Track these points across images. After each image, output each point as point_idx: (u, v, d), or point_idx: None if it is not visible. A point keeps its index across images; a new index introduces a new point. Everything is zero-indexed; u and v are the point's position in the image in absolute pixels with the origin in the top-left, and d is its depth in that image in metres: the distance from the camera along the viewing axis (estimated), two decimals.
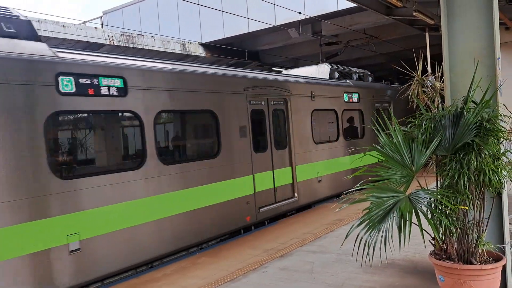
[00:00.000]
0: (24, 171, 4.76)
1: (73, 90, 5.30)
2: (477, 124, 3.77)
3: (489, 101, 3.83)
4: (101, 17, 21.27)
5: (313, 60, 21.44)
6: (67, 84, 5.25)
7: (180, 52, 17.10)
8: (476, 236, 3.93)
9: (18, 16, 5.27)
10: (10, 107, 4.72)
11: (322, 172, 9.97)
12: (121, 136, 6.31)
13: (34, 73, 4.96)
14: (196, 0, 14.60)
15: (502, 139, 3.78)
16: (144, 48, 15.52)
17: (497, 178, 3.67)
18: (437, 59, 6.57)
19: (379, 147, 4.24)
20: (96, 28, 14.40)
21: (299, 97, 9.44)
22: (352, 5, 11.92)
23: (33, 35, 5.28)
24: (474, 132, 3.76)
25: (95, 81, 5.52)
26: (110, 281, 5.58)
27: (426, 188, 4.02)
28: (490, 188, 3.80)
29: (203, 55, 18.09)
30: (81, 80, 5.38)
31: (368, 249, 3.65)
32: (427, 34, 14.29)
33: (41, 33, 12.70)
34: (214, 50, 18.31)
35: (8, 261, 4.56)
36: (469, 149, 3.77)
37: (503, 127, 3.80)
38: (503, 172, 3.73)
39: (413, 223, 3.71)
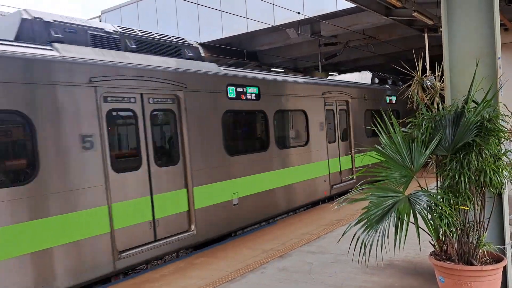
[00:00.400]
0: (212, 149, 7.21)
1: (234, 96, 7.75)
2: (478, 124, 3.75)
3: (490, 101, 3.80)
4: (99, 16, 21.21)
5: (312, 61, 21.49)
6: (231, 92, 7.69)
7: None
8: (476, 237, 3.91)
9: (192, 44, 7.73)
10: (207, 107, 7.14)
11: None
12: (256, 128, 8.71)
13: (216, 84, 7.37)
14: None
15: (503, 139, 3.75)
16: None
17: (498, 178, 3.65)
18: (435, 60, 6.55)
19: (379, 148, 4.22)
20: None
21: (356, 99, 11.86)
22: (351, 5, 11.90)
23: (201, 57, 7.74)
24: (475, 132, 3.74)
25: (244, 89, 8.01)
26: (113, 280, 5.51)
27: (426, 188, 4.00)
28: (491, 189, 3.77)
29: (202, 55, 18.04)
30: (238, 89, 7.84)
31: (365, 248, 3.61)
32: (425, 35, 14.27)
33: None
34: (213, 50, 18.27)
35: (209, 207, 7.04)
36: (470, 149, 3.75)
37: (504, 126, 3.77)
38: (503, 172, 3.70)
39: (411, 222, 3.69)
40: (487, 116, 3.77)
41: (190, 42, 7.68)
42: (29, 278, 4.69)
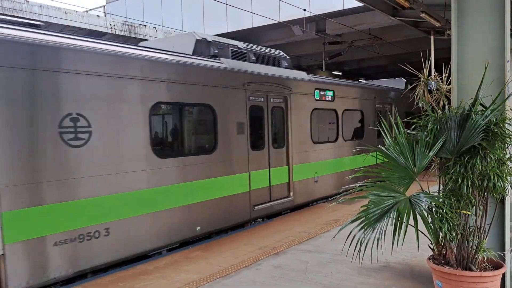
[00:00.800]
0: (304, 138, 9.43)
1: (318, 97, 9.92)
2: (484, 127, 3.67)
3: (501, 104, 3.73)
4: (104, 6, 21.09)
5: (315, 59, 21.37)
6: (316, 94, 9.86)
7: None
8: (476, 243, 3.84)
9: (286, 56, 9.70)
10: (302, 105, 9.34)
11: None
12: (331, 123, 10.57)
13: (308, 89, 9.56)
14: None
15: (508, 144, 3.67)
16: (146, 39, 15.35)
17: (502, 184, 3.57)
18: (440, 62, 6.47)
19: (384, 148, 4.15)
20: (98, 16, 14.22)
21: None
22: (358, 4, 11.79)
23: (290, 66, 9.65)
24: (481, 135, 3.66)
25: (324, 92, 10.16)
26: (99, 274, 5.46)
27: (428, 191, 3.93)
28: (494, 194, 3.70)
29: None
30: (320, 92, 10.00)
31: (360, 247, 3.56)
32: (432, 37, 14.16)
33: (43, 18, 12.55)
34: None
35: (301, 180, 9.25)
36: (475, 153, 3.68)
37: (510, 131, 3.70)
38: (508, 177, 3.63)
39: (410, 225, 3.64)
40: (494, 119, 3.69)
41: (284, 55, 9.81)
42: (219, 212, 7.17)
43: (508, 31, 4.09)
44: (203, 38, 7.70)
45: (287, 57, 9.81)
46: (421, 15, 9.58)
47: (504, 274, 4.07)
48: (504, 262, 4.03)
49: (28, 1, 12.17)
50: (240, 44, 8.47)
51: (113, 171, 5.50)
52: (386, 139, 4.18)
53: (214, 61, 7.24)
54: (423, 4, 9.36)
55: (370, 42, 17.33)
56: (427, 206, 3.60)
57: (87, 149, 5.22)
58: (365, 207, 3.74)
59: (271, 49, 9.75)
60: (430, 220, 3.91)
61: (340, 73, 27.61)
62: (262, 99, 8.28)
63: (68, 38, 5.29)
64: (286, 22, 15.32)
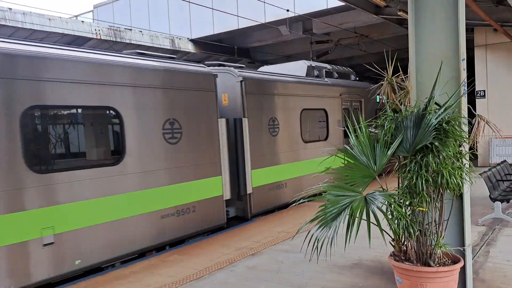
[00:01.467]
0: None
1: (379, 100, 13.56)
2: (437, 126, 3.75)
3: (455, 103, 3.81)
4: (92, 11, 21.11)
5: (304, 58, 21.43)
6: (378, 99, 13.59)
7: (169, 47, 16.99)
8: (435, 239, 3.91)
9: (353, 72, 13.38)
10: (370, 108, 13.27)
11: None
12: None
13: (371, 95, 12.16)
14: None
15: (460, 141, 3.75)
16: (132, 43, 15.40)
17: (455, 181, 3.65)
18: None
19: (348, 148, 4.22)
20: (83, 22, 14.26)
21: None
22: (342, 3, 11.86)
23: (357, 78, 13.70)
24: (433, 133, 3.74)
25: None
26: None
27: (386, 189, 4.00)
28: (448, 190, 3.77)
29: (192, 51, 18.00)
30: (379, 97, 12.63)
31: (316, 245, 3.63)
32: None
33: (26, 25, 12.59)
34: (204, 46, 18.22)
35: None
36: (428, 151, 3.75)
37: (461, 129, 3.77)
38: (461, 174, 3.70)
39: (373, 223, 3.70)
40: (446, 118, 3.76)
41: (351, 70, 13.63)
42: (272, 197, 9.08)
43: (462, 30, 4.17)
44: (312, 65, 11.65)
45: (353, 71, 13.81)
46: (398, 13, 9.67)
47: (465, 269, 4.16)
48: (464, 257, 4.11)
49: (11, 9, 12.20)
50: (327, 66, 12.35)
51: None
52: (351, 138, 4.25)
53: (325, 80, 11.44)
54: (400, 2, 9.45)
55: (356, 41, 17.42)
56: (380, 203, 3.66)
57: None
58: (323, 207, 3.81)
59: (343, 67, 13.70)
60: (390, 217, 4.00)
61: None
62: (348, 104, 12.11)
63: None
64: (271, 23, 15.39)
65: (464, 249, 4.14)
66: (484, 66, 14.16)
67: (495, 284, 4.48)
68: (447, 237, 4.15)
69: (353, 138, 4.18)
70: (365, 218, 3.57)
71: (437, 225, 3.94)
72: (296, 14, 14.71)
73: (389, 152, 3.99)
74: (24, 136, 4.96)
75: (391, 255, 4.12)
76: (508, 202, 7.37)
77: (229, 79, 8.38)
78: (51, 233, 5.15)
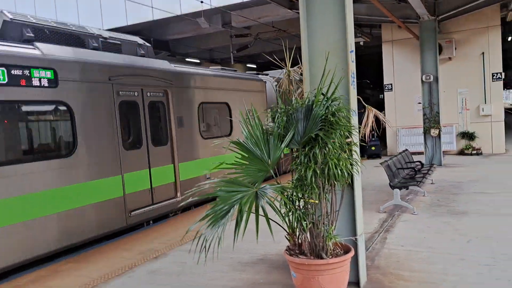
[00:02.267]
0: None
1: None
2: (323, 117, 3.73)
3: (334, 95, 3.82)
4: None
5: (225, 52, 21.23)
6: None
7: None
8: (327, 230, 3.91)
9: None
10: None
11: None
12: None
13: None
14: None
15: (347, 132, 3.76)
16: None
17: (340, 172, 3.65)
18: None
19: (241, 141, 4.06)
20: None
21: None
22: None
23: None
24: (320, 125, 3.72)
25: None
26: None
27: (279, 182, 3.92)
28: (335, 182, 3.78)
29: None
30: None
31: (204, 243, 3.45)
32: None
33: None
34: None
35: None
36: (315, 143, 3.72)
37: (346, 120, 3.79)
38: (347, 165, 3.71)
39: (271, 219, 3.61)
40: (332, 109, 3.76)
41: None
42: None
43: (350, 22, 4.20)
44: None
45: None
46: None
47: (357, 258, 4.23)
48: (357, 247, 4.18)
49: None
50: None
51: None
52: (244, 131, 4.10)
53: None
54: None
55: (275, 35, 17.56)
56: (268, 197, 3.56)
57: None
58: (214, 204, 3.62)
59: None
60: (284, 211, 3.93)
61: (255, 66, 27.90)
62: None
63: None
64: (187, 15, 14.94)
65: (356, 238, 4.20)
66: (391, 61, 15.02)
67: (388, 270, 4.62)
68: (340, 228, 4.19)
69: (246, 130, 4.05)
70: (261, 213, 3.45)
71: (329, 217, 3.95)
72: (212, 7, 14.41)
73: (283, 145, 3.92)
74: None
75: (286, 250, 4.06)
76: (407, 189, 7.80)
77: None
78: None
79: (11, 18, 6.23)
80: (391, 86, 15.09)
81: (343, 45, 4.17)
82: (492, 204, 7.23)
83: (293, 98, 4.10)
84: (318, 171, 3.67)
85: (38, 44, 6.10)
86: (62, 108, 6.23)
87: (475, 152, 13.76)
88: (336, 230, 4.07)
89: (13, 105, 5.62)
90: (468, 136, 13.99)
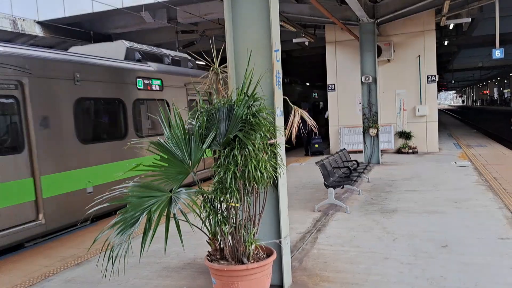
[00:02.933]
0: None
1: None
2: (243, 118, 3.61)
3: (256, 95, 3.71)
4: None
5: (171, 48, 20.73)
6: None
7: (10, 29, 14.75)
8: (248, 234, 3.80)
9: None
10: None
11: None
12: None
13: None
14: None
15: (266, 133, 3.66)
16: None
17: (260, 174, 3.55)
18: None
19: (162, 141, 3.85)
20: None
21: None
22: None
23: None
24: (240, 126, 3.60)
25: None
26: None
27: (199, 185, 3.76)
28: (256, 184, 3.67)
29: (40, 34, 15.94)
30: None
31: (111, 253, 3.23)
32: None
33: None
34: (55, 30, 16.28)
35: None
36: (235, 144, 3.59)
37: (266, 121, 3.70)
38: (266, 167, 3.62)
39: (194, 225, 3.45)
40: (253, 110, 3.65)
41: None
42: None
43: (274, 20, 4.11)
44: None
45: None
46: None
47: (281, 261, 4.16)
48: (280, 250, 4.11)
49: None
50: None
51: None
52: (165, 131, 3.89)
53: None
54: None
55: (222, 32, 17.37)
56: (182, 202, 3.39)
57: None
58: (123, 211, 3.39)
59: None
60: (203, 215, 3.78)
61: (204, 63, 27.46)
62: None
63: None
64: (128, 8, 14.37)
65: (280, 241, 4.13)
66: (334, 61, 15.31)
67: (314, 272, 4.61)
68: (264, 231, 4.10)
69: (167, 130, 3.85)
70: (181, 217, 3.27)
71: (251, 220, 3.84)
72: (155, 1, 13.95)
73: (204, 146, 3.76)
74: None
75: (207, 255, 3.91)
76: (342, 187, 7.93)
77: None
78: None
79: (129, 46, 9.63)
80: (334, 86, 15.39)
81: (267, 44, 4.08)
82: (422, 201, 7.51)
83: (214, 97, 3.95)
84: (238, 173, 3.54)
85: (150, 63, 9.63)
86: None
87: (411, 151, 14.36)
88: (260, 233, 3.98)
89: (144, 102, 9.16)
90: (405, 135, 14.58)
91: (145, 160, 3.81)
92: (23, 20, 15.45)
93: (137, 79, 9.05)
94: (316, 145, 15.31)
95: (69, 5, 15.42)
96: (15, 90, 6.23)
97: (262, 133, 3.62)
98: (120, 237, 3.31)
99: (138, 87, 9.09)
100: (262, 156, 3.63)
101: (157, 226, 3.23)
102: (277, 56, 4.16)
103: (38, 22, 15.90)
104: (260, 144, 3.61)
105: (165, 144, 3.82)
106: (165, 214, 3.46)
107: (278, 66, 4.17)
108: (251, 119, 3.57)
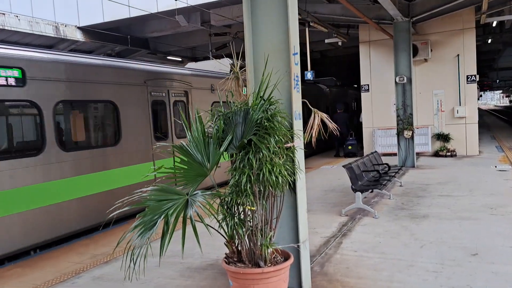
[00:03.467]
0: None
1: None
2: (258, 121, 3.62)
3: (272, 99, 3.72)
4: None
5: (205, 50, 21.06)
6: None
7: (53, 35, 15.52)
8: (266, 237, 3.81)
9: None
10: None
11: None
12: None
13: None
14: None
15: (280, 136, 3.65)
16: (6, 29, 13.75)
17: (275, 178, 3.54)
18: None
19: (184, 144, 3.94)
20: None
21: None
22: None
23: None
24: (254, 130, 3.61)
25: None
26: None
27: (216, 187, 3.81)
28: (271, 188, 3.67)
29: (81, 39, 16.66)
30: None
31: (132, 256, 3.33)
32: (307, 29, 14.57)
33: None
34: (95, 35, 16.96)
35: None
36: (250, 148, 3.61)
37: (281, 125, 3.68)
38: (280, 171, 3.60)
39: (209, 225, 3.49)
40: (268, 114, 3.65)
41: None
42: None
43: (293, 23, 4.09)
44: None
45: None
46: None
47: (299, 265, 4.13)
48: (299, 254, 4.08)
49: None
50: None
51: None
52: (188, 134, 3.97)
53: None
54: None
55: None
56: (197, 205, 3.44)
57: None
58: (143, 215, 3.49)
59: None
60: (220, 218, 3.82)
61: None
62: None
63: None
64: (162, 13, 14.74)
65: (298, 245, 4.10)
66: (368, 61, 14.99)
67: (335, 277, 4.54)
68: (282, 234, 4.09)
69: (189, 133, 3.93)
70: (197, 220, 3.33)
71: (268, 224, 3.84)
72: (188, 5, 14.23)
73: (222, 149, 3.80)
74: None
75: (225, 258, 3.95)
76: (371, 191, 7.75)
77: None
78: None
79: None
80: (368, 87, 15.07)
81: (285, 48, 4.07)
82: (455, 207, 7.21)
83: (232, 102, 3.98)
84: (253, 177, 3.55)
85: None
86: None
87: (449, 153, 13.82)
88: (278, 237, 3.97)
89: None
90: (443, 137, 14.04)
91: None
92: (65, 26, 16.20)
93: None
94: (350, 147, 15.04)
95: (108, 11, 16.02)
96: None
97: (277, 137, 3.61)
98: (141, 240, 3.40)
99: None
100: (277, 160, 3.62)
101: (173, 228, 3.29)
102: (296, 59, 4.13)
103: (79, 28, 16.63)
104: (275, 148, 3.61)
105: (187, 147, 3.90)
106: (181, 216, 3.55)
107: (296, 69, 4.14)
108: (266, 123, 3.57)
